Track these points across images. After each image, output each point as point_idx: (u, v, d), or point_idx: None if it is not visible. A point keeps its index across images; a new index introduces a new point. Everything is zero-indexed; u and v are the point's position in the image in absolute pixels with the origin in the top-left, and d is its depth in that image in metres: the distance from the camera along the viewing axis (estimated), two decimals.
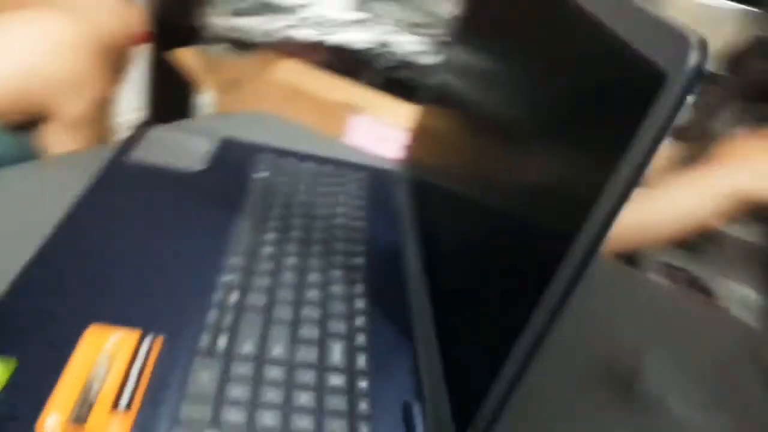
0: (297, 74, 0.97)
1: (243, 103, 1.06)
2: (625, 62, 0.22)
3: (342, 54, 0.95)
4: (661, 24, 0.20)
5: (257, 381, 0.34)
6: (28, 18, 0.51)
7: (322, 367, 0.36)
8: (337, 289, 0.43)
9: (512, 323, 0.26)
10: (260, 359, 0.36)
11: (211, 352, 0.35)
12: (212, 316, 0.38)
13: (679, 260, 0.91)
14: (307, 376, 0.35)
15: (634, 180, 0.20)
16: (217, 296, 0.39)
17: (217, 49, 1.09)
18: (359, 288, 0.44)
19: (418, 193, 0.51)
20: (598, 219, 0.21)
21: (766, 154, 0.68)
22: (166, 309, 0.38)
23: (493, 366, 0.27)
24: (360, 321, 0.41)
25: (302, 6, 0.99)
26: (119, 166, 0.50)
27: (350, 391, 0.35)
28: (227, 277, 0.41)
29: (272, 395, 0.33)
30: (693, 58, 0.18)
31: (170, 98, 1.41)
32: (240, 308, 0.39)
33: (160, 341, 0.35)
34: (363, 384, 0.36)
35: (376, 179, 0.59)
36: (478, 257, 0.35)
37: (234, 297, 0.40)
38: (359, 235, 0.50)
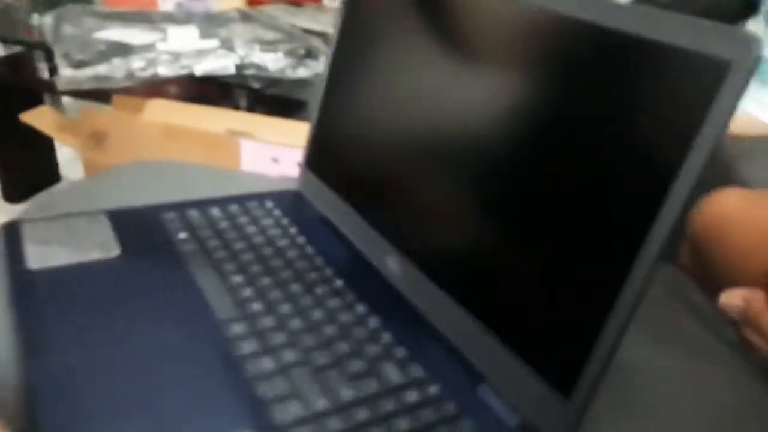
0: (170, 112, 0.89)
1: (113, 154, 0.94)
2: (681, 64, 0.27)
3: (209, 83, 0.89)
4: (703, 26, 0.26)
5: (357, 427, 0.33)
6: None
7: (392, 390, 0.37)
8: (344, 317, 0.43)
9: (603, 275, 0.31)
10: (341, 408, 0.35)
11: (301, 422, 0.33)
12: (266, 389, 0.35)
13: None
14: (390, 404, 0.36)
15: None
16: (251, 369, 0.37)
17: (72, 105, 0.93)
18: (361, 308, 0.44)
19: (357, 193, 0.52)
20: (695, 164, 0.26)
21: None
22: (217, 404, 0.34)
23: (590, 323, 0.31)
24: (386, 336, 0.41)
25: (158, 41, 0.89)
26: (25, 280, 0.42)
27: (429, 400, 0.37)
28: (245, 348, 0.38)
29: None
30: (756, 47, 0.24)
31: (29, 165, 1.22)
32: (283, 371, 0.37)
33: None
34: (434, 389, 0.37)
35: (287, 201, 0.58)
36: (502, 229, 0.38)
37: (269, 364, 0.37)
38: (318, 259, 0.49)
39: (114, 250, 0.46)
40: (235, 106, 0.86)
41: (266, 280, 0.45)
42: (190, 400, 0.34)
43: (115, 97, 0.94)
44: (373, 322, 0.43)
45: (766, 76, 0.83)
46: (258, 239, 0.51)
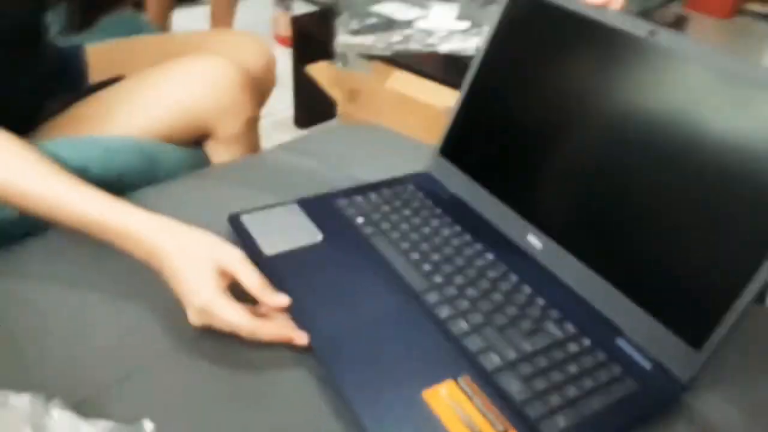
0: (407, 84, 1.13)
1: (362, 111, 1.23)
2: None
3: (453, 61, 1.09)
4: None
5: (542, 371, 0.47)
6: (188, 63, 0.74)
7: (558, 343, 0.50)
8: (504, 285, 0.55)
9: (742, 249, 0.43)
10: (526, 357, 0.48)
11: (501, 369, 0.47)
12: (470, 345, 0.49)
13: None
14: (559, 354, 0.49)
15: None
16: (454, 329, 0.50)
17: (342, 63, 1.28)
18: (513, 277, 0.56)
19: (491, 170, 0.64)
20: None
21: None
22: (439, 355, 0.48)
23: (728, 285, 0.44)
24: (540, 301, 0.54)
25: (416, 19, 1.12)
26: (268, 264, 0.55)
27: (585, 350, 0.50)
28: (443, 312, 0.51)
29: (561, 377, 0.47)
30: None
31: (315, 101, 1.60)
32: (476, 330, 0.50)
33: (467, 379, 0.46)
34: (586, 341, 0.50)
35: (423, 183, 0.70)
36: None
37: (464, 324, 0.51)
38: (466, 236, 0.61)
39: (318, 236, 0.59)
40: None
41: (436, 256, 0.58)
42: (419, 355, 0.48)
43: (374, 64, 1.19)
44: (526, 289, 0.56)
45: None
46: (415, 220, 0.64)
